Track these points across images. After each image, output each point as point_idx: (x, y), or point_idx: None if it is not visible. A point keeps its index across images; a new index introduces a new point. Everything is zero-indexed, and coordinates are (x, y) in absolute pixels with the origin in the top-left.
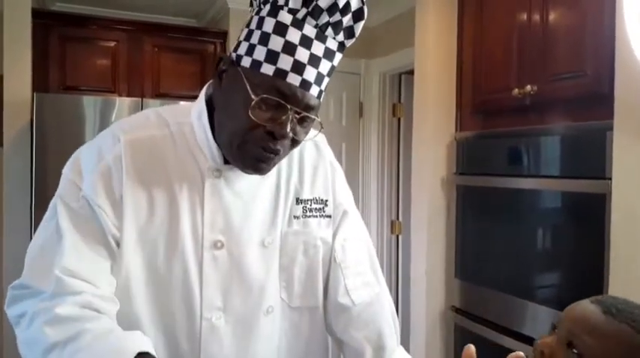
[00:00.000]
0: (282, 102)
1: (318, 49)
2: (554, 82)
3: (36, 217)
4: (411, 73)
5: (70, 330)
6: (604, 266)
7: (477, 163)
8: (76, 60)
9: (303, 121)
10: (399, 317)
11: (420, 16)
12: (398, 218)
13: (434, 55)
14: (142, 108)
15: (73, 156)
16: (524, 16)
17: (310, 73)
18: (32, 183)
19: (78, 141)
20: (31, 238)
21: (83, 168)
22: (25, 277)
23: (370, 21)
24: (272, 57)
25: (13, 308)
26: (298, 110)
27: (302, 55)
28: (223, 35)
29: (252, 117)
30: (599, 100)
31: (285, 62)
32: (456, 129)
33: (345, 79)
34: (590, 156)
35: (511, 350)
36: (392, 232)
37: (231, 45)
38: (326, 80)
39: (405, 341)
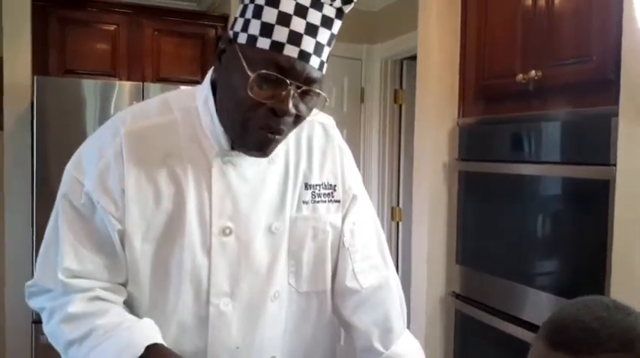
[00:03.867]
0: (281, 76)
1: (314, 17)
2: (559, 67)
3: (37, 200)
4: (413, 58)
5: (83, 327)
6: (606, 253)
7: (479, 149)
8: (76, 43)
9: (305, 95)
10: None
11: (423, 0)
12: (398, 204)
13: (436, 39)
14: (142, 93)
15: (76, 153)
16: (529, 0)
17: (308, 43)
18: (33, 167)
19: (78, 124)
20: (32, 221)
21: (85, 165)
22: (36, 277)
23: (372, 5)
24: (267, 30)
25: (33, 302)
26: (299, 84)
27: (298, 24)
28: (224, 19)
29: (252, 96)
30: (604, 86)
31: (280, 34)
32: (459, 115)
33: (346, 65)
34: (595, 143)
35: (511, 336)
36: (392, 219)
37: None
38: (326, 50)
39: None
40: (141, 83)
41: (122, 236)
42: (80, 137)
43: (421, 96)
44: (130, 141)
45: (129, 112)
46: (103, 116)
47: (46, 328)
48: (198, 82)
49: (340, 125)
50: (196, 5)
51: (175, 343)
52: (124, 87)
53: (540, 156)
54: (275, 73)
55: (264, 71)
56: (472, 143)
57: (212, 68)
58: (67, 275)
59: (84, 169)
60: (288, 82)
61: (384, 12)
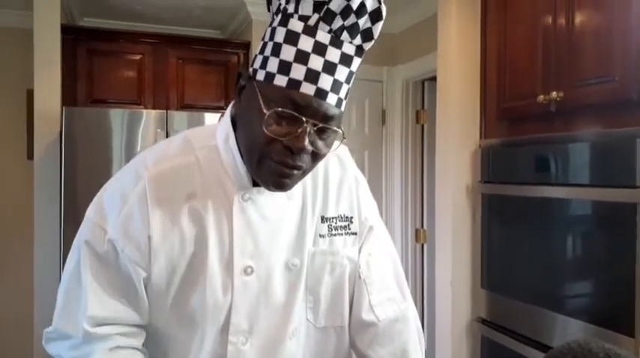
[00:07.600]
0: (296, 114)
1: (333, 55)
2: (581, 87)
3: (65, 227)
4: (434, 79)
5: None
6: (635, 277)
7: (502, 171)
8: (103, 73)
9: (322, 133)
10: (425, 327)
11: (443, 22)
12: (422, 226)
13: (457, 60)
14: (167, 120)
15: (97, 198)
16: (549, 20)
17: (325, 81)
18: (61, 195)
19: (105, 153)
20: (60, 248)
21: (107, 212)
22: (56, 323)
23: (392, 27)
24: (284, 68)
25: (50, 347)
26: (315, 122)
27: (315, 63)
28: (246, 46)
29: (267, 132)
30: (628, 106)
31: (297, 72)
32: (481, 137)
33: (367, 87)
34: (620, 164)
35: None
36: (417, 241)
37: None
38: (345, 87)
39: (431, 353)
40: (165, 111)
41: (147, 282)
42: (107, 165)
43: (442, 118)
44: (154, 185)
45: (150, 154)
46: (130, 144)
47: None
48: (222, 108)
49: (362, 147)
50: (219, 33)
51: None
52: (150, 115)
53: (565, 178)
54: (290, 111)
55: (279, 109)
56: (495, 165)
57: (231, 104)
58: (91, 324)
59: (106, 216)
60: (304, 119)
61: (404, 34)
